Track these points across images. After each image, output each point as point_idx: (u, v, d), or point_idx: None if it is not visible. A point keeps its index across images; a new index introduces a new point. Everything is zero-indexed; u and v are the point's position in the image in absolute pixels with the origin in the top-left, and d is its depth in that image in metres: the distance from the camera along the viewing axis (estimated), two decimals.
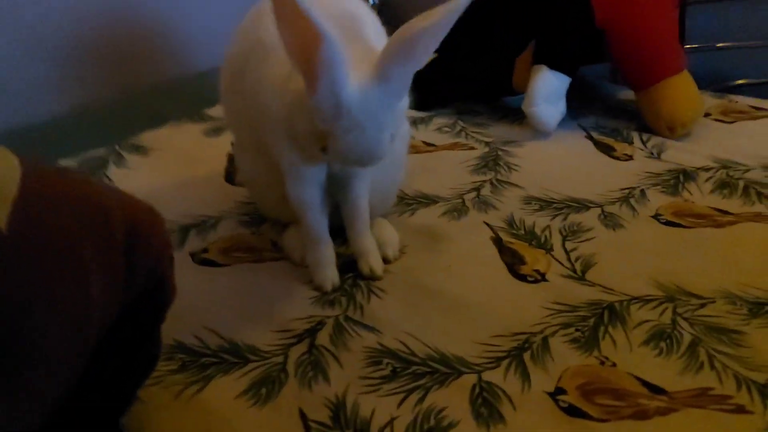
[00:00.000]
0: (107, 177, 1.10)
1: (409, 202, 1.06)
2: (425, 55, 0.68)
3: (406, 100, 0.75)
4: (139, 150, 1.20)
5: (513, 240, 0.95)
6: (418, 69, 0.69)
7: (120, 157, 1.17)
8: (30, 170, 0.48)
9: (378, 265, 0.87)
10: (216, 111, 1.38)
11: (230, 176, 1.13)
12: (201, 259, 0.91)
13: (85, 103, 1.40)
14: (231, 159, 1.19)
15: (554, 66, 1.26)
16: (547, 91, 1.26)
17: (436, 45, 0.69)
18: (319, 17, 0.61)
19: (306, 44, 0.63)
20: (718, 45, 1.51)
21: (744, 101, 1.40)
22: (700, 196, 1.06)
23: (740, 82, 1.55)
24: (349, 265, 0.88)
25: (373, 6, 1.92)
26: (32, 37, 1.30)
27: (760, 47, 1.52)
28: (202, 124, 1.32)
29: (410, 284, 0.85)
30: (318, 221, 0.84)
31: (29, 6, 1.26)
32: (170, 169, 1.14)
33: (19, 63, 1.30)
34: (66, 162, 1.13)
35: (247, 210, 1.04)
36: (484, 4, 1.39)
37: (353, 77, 0.66)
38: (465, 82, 1.43)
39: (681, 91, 1.25)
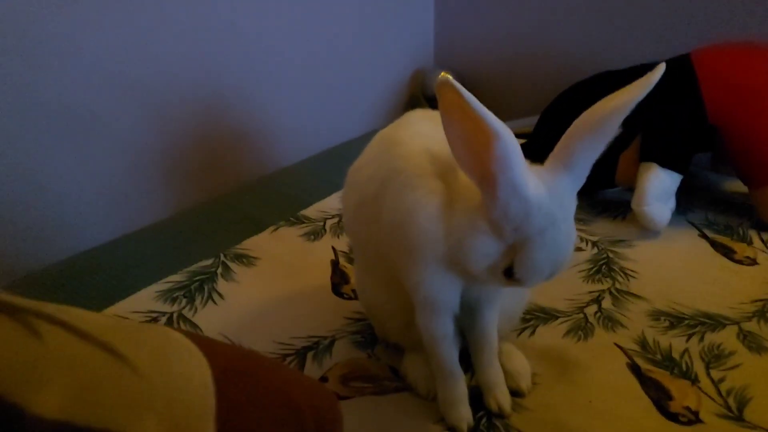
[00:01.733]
0: (218, 293, 1.08)
1: (526, 317, 1.01)
2: (610, 135, 0.64)
3: None
4: (244, 260, 1.18)
5: (651, 368, 0.89)
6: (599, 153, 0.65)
7: (227, 268, 1.15)
8: (220, 369, 0.45)
9: (507, 402, 0.81)
10: (311, 212, 1.37)
11: (337, 287, 1.11)
12: None
13: (177, 212, 1.42)
14: (336, 268, 1.16)
15: (665, 164, 1.21)
16: (659, 189, 1.21)
17: (619, 123, 0.64)
18: (491, 116, 0.58)
19: (478, 145, 0.60)
20: None
21: None
22: None
23: None
24: (476, 398, 0.83)
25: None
26: (122, 145, 1.32)
27: None
28: (300, 227, 1.31)
29: (551, 424, 0.79)
30: (451, 355, 0.79)
31: (117, 113, 1.29)
32: (277, 281, 1.12)
33: (113, 173, 1.32)
34: (174, 277, 1.12)
35: (359, 328, 1.00)
36: (585, 96, 1.36)
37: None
38: None
39: None
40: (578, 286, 1.10)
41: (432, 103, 2.02)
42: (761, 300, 1.03)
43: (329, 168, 1.60)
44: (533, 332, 0.98)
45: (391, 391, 0.87)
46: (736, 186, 1.38)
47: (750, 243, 1.20)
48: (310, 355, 0.94)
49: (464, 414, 0.80)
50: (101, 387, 0.40)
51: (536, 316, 1.01)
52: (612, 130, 0.64)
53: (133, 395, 0.41)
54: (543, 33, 1.79)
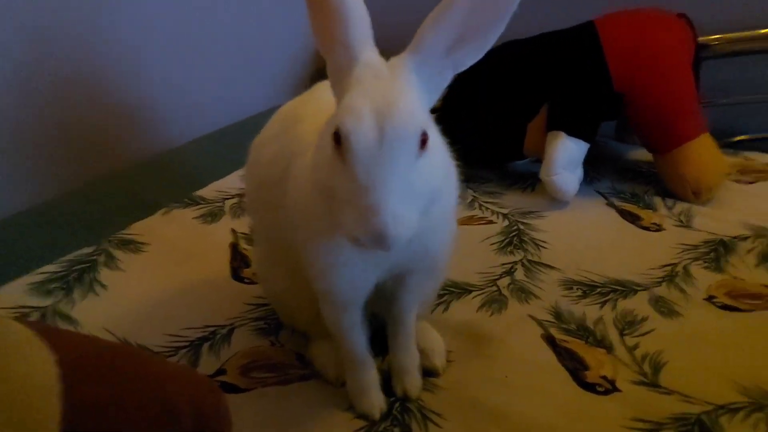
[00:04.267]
0: (100, 283, 0.96)
1: (440, 293, 0.96)
2: (472, 34, 0.57)
3: (449, 163, 0.66)
4: (130, 246, 1.07)
5: (566, 337, 0.86)
6: (463, 57, 0.58)
7: (110, 256, 1.03)
8: (70, 366, 0.37)
9: (413, 388, 0.77)
10: (207, 192, 1.27)
11: (237, 272, 1.02)
12: (219, 384, 0.78)
13: (57, 195, 1.26)
14: (235, 251, 1.07)
15: (573, 132, 1.20)
16: (567, 158, 1.20)
17: (488, 27, 0.57)
18: None
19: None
20: (722, 102, 1.47)
21: (760, 159, 1.37)
22: (747, 272, 1.00)
23: (741, 138, 1.51)
24: (389, 382, 0.77)
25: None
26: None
27: (759, 102, 1.50)
28: (195, 209, 1.20)
29: (468, 404, 0.75)
30: (359, 343, 0.73)
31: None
32: (168, 268, 1.02)
33: None
34: (49, 268, 0.99)
35: (262, 314, 0.92)
36: (492, 68, 1.33)
37: None
38: (473, 147, 1.35)
39: (705, 153, 1.20)
40: (491, 258, 1.06)
41: None
42: (669, 265, 1.03)
43: (228, 145, 1.49)
44: (447, 308, 0.93)
45: (296, 379, 0.80)
46: (641, 155, 1.39)
47: (656, 210, 1.21)
48: (205, 346, 0.85)
49: (376, 401, 0.74)
50: None
51: (450, 291, 0.97)
52: (467, 19, 0.56)
53: None
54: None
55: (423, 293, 0.78)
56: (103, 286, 0.96)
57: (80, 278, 0.97)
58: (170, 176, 1.33)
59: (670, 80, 1.19)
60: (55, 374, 0.36)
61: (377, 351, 0.78)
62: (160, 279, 0.99)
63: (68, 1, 1.24)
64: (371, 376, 0.75)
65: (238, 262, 1.05)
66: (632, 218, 1.19)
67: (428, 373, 0.79)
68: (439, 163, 0.58)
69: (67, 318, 0.89)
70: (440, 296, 0.95)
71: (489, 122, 1.32)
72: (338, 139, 0.53)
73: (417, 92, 0.56)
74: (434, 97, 0.60)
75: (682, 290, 0.96)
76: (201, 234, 1.12)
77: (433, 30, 0.56)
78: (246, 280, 1.00)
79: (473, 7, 0.56)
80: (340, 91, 0.57)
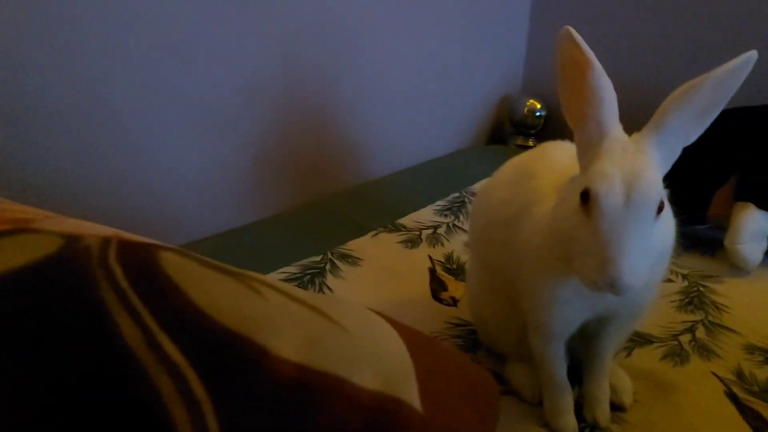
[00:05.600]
0: (328, 287, 1.15)
1: None
2: (703, 115, 0.67)
3: (671, 221, 0.73)
4: (348, 259, 1.26)
5: (750, 398, 0.91)
6: (692, 134, 0.68)
7: (334, 265, 1.23)
8: (408, 340, 0.52)
9: (603, 417, 0.85)
10: (407, 221, 1.44)
11: (435, 294, 1.16)
12: None
13: (285, 210, 1.51)
14: (434, 275, 1.22)
15: (762, 206, 1.23)
16: (753, 229, 1.24)
17: (716, 108, 0.67)
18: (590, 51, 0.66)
19: (577, 77, 0.68)
20: None
21: None
22: None
23: None
24: (580, 409, 0.87)
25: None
26: (246, 143, 1.41)
27: None
28: (398, 235, 1.38)
29: None
30: (560, 371, 0.84)
31: (245, 114, 1.39)
32: (380, 282, 1.19)
33: (236, 168, 1.41)
34: (289, 269, 1.20)
35: (460, 333, 1.06)
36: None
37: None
38: None
39: None
40: (671, 315, 1.13)
41: (517, 127, 2.08)
42: None
43: (421, 181, 1.67)
44: (629, 353, 1.02)
45: None
46: None
47: None
48: None
49: (570, 422, 0.84)
50: (325, 341, 0.47)
51: (632, 340, 1.05)
52: (704, 108, 0.67)
53: (350, 351, 0.47)
54: (620, 67, 1.86)
55: (621, 335, 0.88)
56: (330, 289, 1.15)
57: (312, 281, 1.17)
58: (374, 204, 1.52)
59: None
60: (402, 343, 0.51)
61: (572, 380, 0.88)
62: (373, 290, 1.16)
63: (321, 51, 1.49)
64: (567, 399, 0.85)
65: (436, 285, 1.19)
66: None
67: (616, 407, 0.88)
68: (669, 226, 0.69)
69: None
70: None
71: (680, 184, 1.38)
72: (585, 198, 0.65)
73: (657, 165, 0.68)
74: (667, 168, 0.71)
75: None
76: (403, 257, 1.29)
77: (675, 113, 0.67)
78: (444, 302, 1.14)
79: (710, 94, 0.66)
80: (588, 159, 0.69)
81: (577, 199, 0.67)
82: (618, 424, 0.86)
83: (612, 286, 0.62)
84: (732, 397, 0.92)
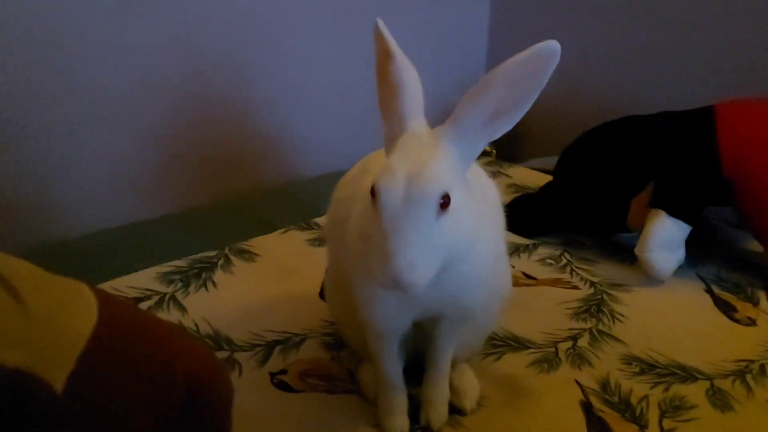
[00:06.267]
0: (213, 282, 1.15)
1: (497, 343, 1.02)
2: (506, 110, 0.64)
3: (469, 218, 0.67)
4: (246, 255, 1.25)
5: (604, 408, 0.88)
6: (497, 129, 0.66)
7: (228, 260, 1.23)
8: (104, 317, 0.50)
9: (437, 420, 0.83)
10: (324, 220, 1.43)
11: (323, 291, 1.15)
12: (278, 381, 0.92)
13: (195, 206, 1.51)
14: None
15: (674, 213, 1.19)
16: (664, 238, 1.19)
17: (522, 102, 0.64)
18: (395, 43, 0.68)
19: (385, 70, 0.67)
20: None
21: None
22: None
23: None
24: (417, 411, 0.85)
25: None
26: (152, 136, 1.42)
27: None
28: (309, 233, 1.37)
29: None
30: (393, 370, 0.82)
31: (150, 107, 1.39)
32: (271, 278, 1.18)
33: (138, 162, 1.42)
34: (177, 262, 1.20)
35: (332, 330, 1.04)
36: (607, 139, 1.37)
37: None
38: (578, 213, 1.38)
39: None
40: (561, 322, 1.09)
41: None
42: (745, 360, 0.99)
43: None
44: (499, 358, 0.99)
45: (342, 392, 0.91)
46: (757, 245, 1.33)
47: (756, 304, 1.16)
48: (278, 348, 0.99)
49: (399, 423, 0.82)
50: None
51: (507, 344, 1.02)
52: (499, 96, 0.63)
53: (13, 332, 0.46)
54: (581, 76, 1.82)
55: (459, 339, 0.85)
56: (214, 284, 1.15)
57: (198, 275, 1.17)
58: (294, 203, 1.52)
59: None
60: (92, 326, 0.49)
61: (415, 380, 0.86)
62: (261, 286, 1.15)
63: (239, 42, 1.49)
64: (399, 400, 0.83)
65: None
66: (727, 308, 1.14)
67: (457, 411, 0.86)
68: (464, 225, 0.66)
69: (179, 305, 1.08)
70: (497, 346, 1.01)
71: (595, 192, 1.34)
72: (374, 192, 0.64)
73: (450, 160, 0.65)
74: (469, 163, 0.69)
75: (748, 388, 0.92)
76: (306, 254, 1.28)
77: (470, 107, 0.65)
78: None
79: (507, 88, 0.64)
80: (389, 153, 0.68)
81: (368, 194, 0.66)
82: (454, 427, 0.83)
83: (394, 282, 0.60)
84: (585, 406, 0.88)
